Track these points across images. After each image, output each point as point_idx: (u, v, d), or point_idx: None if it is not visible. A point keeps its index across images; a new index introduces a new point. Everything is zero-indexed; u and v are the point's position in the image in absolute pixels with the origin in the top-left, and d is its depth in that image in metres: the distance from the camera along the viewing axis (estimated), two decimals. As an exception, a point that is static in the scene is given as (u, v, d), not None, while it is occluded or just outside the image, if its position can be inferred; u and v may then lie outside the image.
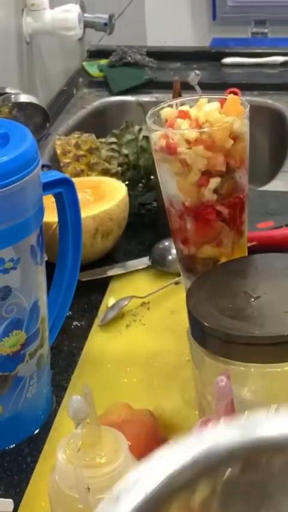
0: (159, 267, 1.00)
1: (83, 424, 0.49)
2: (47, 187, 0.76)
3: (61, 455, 0.51)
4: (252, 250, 1.02)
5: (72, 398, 0.48)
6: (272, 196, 1.22)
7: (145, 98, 1.63)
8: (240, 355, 0.59)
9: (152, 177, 1.15)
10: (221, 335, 0.58)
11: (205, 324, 0.59)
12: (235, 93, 1.77)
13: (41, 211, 0.73)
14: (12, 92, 1.04)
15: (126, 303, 0.92)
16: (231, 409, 0.51)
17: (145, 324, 0.91)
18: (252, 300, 0.62)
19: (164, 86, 1.71)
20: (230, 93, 1.80)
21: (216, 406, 0.49)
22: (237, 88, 1.68)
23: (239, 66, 1.77)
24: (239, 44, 2.06)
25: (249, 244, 0.98)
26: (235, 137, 0.68)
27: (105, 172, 1.14)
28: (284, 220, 1.11)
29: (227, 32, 2.43)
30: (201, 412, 0.65)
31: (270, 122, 1.65)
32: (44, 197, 0.75)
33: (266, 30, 2.33)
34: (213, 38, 2.38)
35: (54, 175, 0.78)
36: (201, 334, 0.60)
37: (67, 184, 0.79)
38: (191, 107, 0.71)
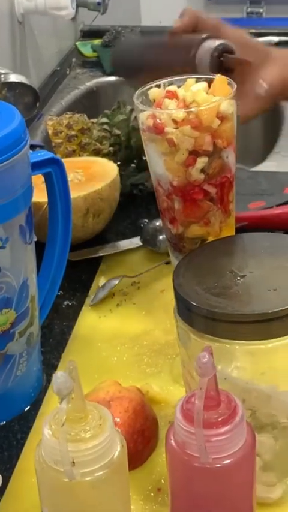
0: (150, 247, 1.01)
1: (67, 399, 0.50)
2: (36, 167, 0.76)
3: (47, 430, 0.52)
4: (242, 230, 1.03)
5: (57, 374, 0.49)
6: (263, 176, 1.22)
7: (138, 78, 1.62)
8: (225, 332, 0.59)
9: (143, 157, 1.15)
10: (206, 313, 0.59)
11: (191, 302, 0.60)
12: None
13: (29, 190, 0.73)
14: (2, 71, 1.04)
15: (117, 282, 0.93)
16: (214, 384, 0.52)
17: (135, 303, 0.92)
18: (238, 278, 0.63)
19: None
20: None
21: (199, 382, 0.50)
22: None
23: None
24: (233, 24, 2.05)
25: (238, 224, 0.99)
26: (222, 117, 0.68)
27: (97, 153, 1.14)
28: (275, 201, 1.11)
29: (222, 12, 2.41)
30: (187, 389, 0.66)
31: (264, 102, 1.65)
32: (34, 177, 0.75)
33: (261, 10, 2.32)
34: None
35: (43, 155, 0.78)
36: (187, 312, 0.61)
37: (56, 164, 0.79)
38: (178, 87, 0.71)
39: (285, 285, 0.61)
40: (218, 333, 0.60)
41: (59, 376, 0.49)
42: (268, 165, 1.35)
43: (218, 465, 0.52)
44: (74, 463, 0.51)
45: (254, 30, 1.81)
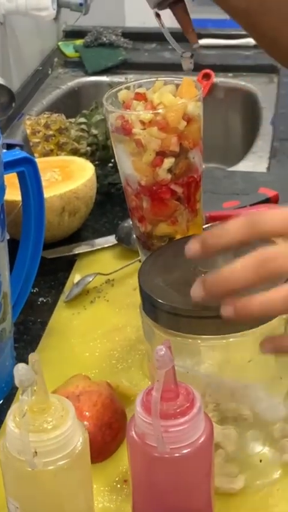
0: (124, 245, 1.02)
1: (29, 391, 0.51)
2: (9, 165, 0.78)
3: (10, 421, 0.54)
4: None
5: (18, 366, 0.51)
6: (239, 176, 1.24)
7: (119, 79, 1.64)
8: (188, 328, 0.61)
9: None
10: (169, 308, 0.61)
11: (154, 297, 0.62)
12: (208, 75, 1.79)
13: (2, 189, 0.75)
14: (-21, 72, 1.05)
15: (91, 279, 0.95)
16: (172, 376, 0.54)
17: (109, 300, 0.94)
18: (202, 275, 0.65)
19: (139, 66, 1.73)
20: (204, 74, 1.81)
21: (157, 374, 0.52)
22: (211, 70, 1.71)
23: (214, 47, 1.79)
24: (216, 25, 2.07)
25: (207, 225, 1.01)
26: (189, 119, 0.70)
27: (75, 152, 1.16)
28: (250, 200, 1.13)
29: (205, 13, 2.42)
30: (152, 383, 0.68)
31: (243, 103, 1.68)
32: (10, 176, 0.77)
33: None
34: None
35: (16, 154, 0.80)
36: (151, 307, 0.63)
37: (29, 163, 0.81)
38: (147, 89, 0.73)
39: None
40: (181, 329, 0.61)
41: (20, 368, 0.50)
42: (245, 165, 1.38)
43: (177, 454, 0.54)
44: (36, 452, 0.53)
45: (234, 32, 1.83)
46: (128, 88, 0.74)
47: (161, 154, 0.70)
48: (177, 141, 0.70)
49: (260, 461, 0.67)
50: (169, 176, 0.71)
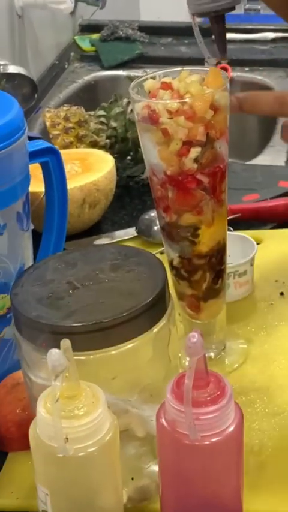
0: (145, 237, 1.02)
1: (61, 376, 0.51)
2: (34, 156, 0.78)
3: (41, 407, 0.54)
4: (236, 221, 1.05)
5: (51, 352, 0.51)
6: (258, 170, 1.24)
7: (136, 73, 1.64)
8: (49, 342, 0.58)
9: (140, 149, 1.17)
10: (31, 323, 0.59)
11: (20, 311, 0.60)
12: (225, 69, 1.79)
13: (27, 179, 0.75)
14: (1, 62, 1.05)
15: (112, 271, 0.95)
16: (203, 364, 0.53)
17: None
18: (71, 290, 0.62)
19: (155, 60, 1.72)
20: (220, 69, 1.81)
21: (189, 361, 0.52)
22: (228, 64, 1.70)
23: (230, 42, 1.78)
24: (231, 20, 2.07)
25: (232, 216, 1.01)
26: (216, 108, 0.70)
27: (94, 145, 1.16)
28: (269, 194, 1.13)
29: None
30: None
31: (260, 97, 1.67)
32: (32, 167, 0.77)
33: (258, 7, 2.34)
34: (206, 14, 2.38)
35: (40, 144, 0.80)
36: (18, 321, 0.61)
37: (53, 153, 0.81)
38: (173, 78, 0.73)
39: (111, 299, 0.60)
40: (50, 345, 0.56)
41: (54, 353, 0.50)
42: (263, 159, 1.37)
43: (207, 442, 0.54)
44: (67, 439, 0.52)
45: (250, 27, 1.83)
46: (153, 78, 0.74)
47: (188, 143, 0.70)
48: (204, 131, 0.69)
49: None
50: (195, 166, 0.71)
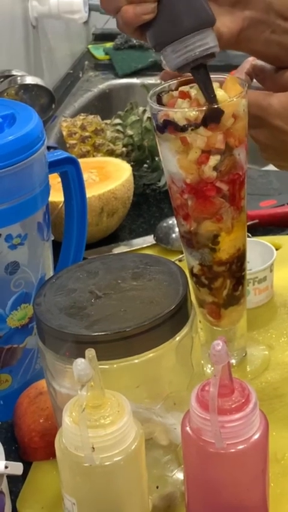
0: (163, 245, 1.03)
1: (87, 386, 0.52)
2: (53, 166, 0.78)
3: (67, 417, 0.54)
4: (254, 227, 1.05)
5: (77, 361, 0.51)
6: (274, 175, 1.24)
7: (150, 81, 1.65)
8: (73, 352, 0.58)
9: (156, 158, 1.18)
10: (55, 333, 0.59)
11: (43, 321, 0.60)
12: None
13: (47, 189, 0.75)
14: (19, 74, 1.06)
15: (131, 279, 0.95)
16: (228, 372, 0.54)
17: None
18: (94, 299, 0.62)
19: (169, 68, 1.72)
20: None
21: (214, 369, 0.52)
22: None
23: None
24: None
25: (250, 222, 1.01)
26: (235, 116, 0.70)
27: (111, 153, 1.17)
28: (286, 199, 1.14)
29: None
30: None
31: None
32: (50, 177, 0.77)
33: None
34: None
35: (59, 154, 0.80)
36: (41, 330, 0.61)
37: (72, 163, 0.81)
38: (191, 87, 0.73)
39: (133, 308, 0.60)
40: (72, 354, 0.58)
41: (79, 363, 0.51)
42: (278, 165, 1.37)
43: (232, 450, 0.54)
44: (93, 448, 0.53)
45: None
46: (170, 88, 0.74)
47: (207, 151, 0.70)
48: (223, 139, 0.70)
49: None
50: (214, 174, 0.71)
